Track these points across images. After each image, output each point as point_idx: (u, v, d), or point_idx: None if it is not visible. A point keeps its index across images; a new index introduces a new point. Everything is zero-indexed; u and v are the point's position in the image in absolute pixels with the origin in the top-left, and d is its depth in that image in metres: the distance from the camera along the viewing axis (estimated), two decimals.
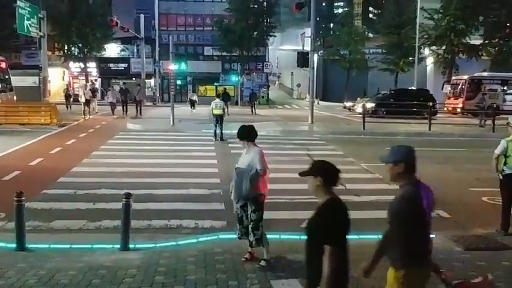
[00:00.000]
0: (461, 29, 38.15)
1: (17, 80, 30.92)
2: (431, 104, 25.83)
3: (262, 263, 5.93)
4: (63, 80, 47.11)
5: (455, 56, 40.29)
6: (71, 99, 34.72)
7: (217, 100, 18.61)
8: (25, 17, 25.49)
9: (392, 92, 34.80)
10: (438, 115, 29.38)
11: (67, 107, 32.34)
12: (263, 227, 6.05)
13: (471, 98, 32.98)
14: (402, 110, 27.68)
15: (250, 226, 5.95)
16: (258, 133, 6.31)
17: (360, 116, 24.90)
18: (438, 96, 34.83)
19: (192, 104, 34.07)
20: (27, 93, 31.62)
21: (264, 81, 50.35)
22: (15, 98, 27.49)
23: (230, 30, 43.98)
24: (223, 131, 18.05)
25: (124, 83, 29.81)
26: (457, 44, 38.98)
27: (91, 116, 26.57)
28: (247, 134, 6.09)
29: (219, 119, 18.06)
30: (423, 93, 32.62)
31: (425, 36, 40.39)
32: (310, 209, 3.34)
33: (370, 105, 29.72)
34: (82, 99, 26.77)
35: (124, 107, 28.49)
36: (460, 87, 34.49)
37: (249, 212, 5.95)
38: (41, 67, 32.03)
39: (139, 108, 27.87)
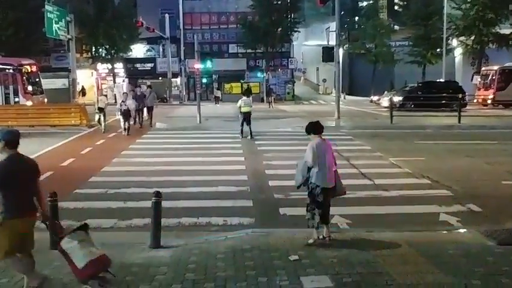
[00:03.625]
0: (490, 19, 37.20)
1: (47, 83, 31.78)
2: (460, 96, 25.29)
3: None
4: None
5: (484, 46, 39.32)
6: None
7: (245, 97, 18.09)
8: (53, 21, 26.11)
9: (420, 84, 34.21)
10: (468, 107, 28.73)
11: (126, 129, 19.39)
12: (315, 215, 6.47)
13: (502, 89, 32.26)
14: (430, 102, 27.22)
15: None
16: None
17: (387, 109, 24.55)
18: (468, 87, 34.05)
19: (216, 99, 37.95)
20: (57, 95, 32.33)
21: (289, 77, 50.15)
22: (46, 100, 28.18)
23: (254, 27, 43.96)
24: (251, 129, 17.70)
25: (139, 86, 27.23)
26: (486, 33, 38.02)
27: (104, 127, 20.20)
28: (307, 128, 6.79)
29: (246, 117, 17.58)
30: (452, 85, 32.03)
31: (453, 27, 39.51)
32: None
33: (397, 98, 29.30)
34: (96, 107, 21.02)
35: (139, 116, 22.34)
36: (490, 78, 33.75)
37: None
38: (70, 69, 32.80)
39: (150, 115, 23.22)
